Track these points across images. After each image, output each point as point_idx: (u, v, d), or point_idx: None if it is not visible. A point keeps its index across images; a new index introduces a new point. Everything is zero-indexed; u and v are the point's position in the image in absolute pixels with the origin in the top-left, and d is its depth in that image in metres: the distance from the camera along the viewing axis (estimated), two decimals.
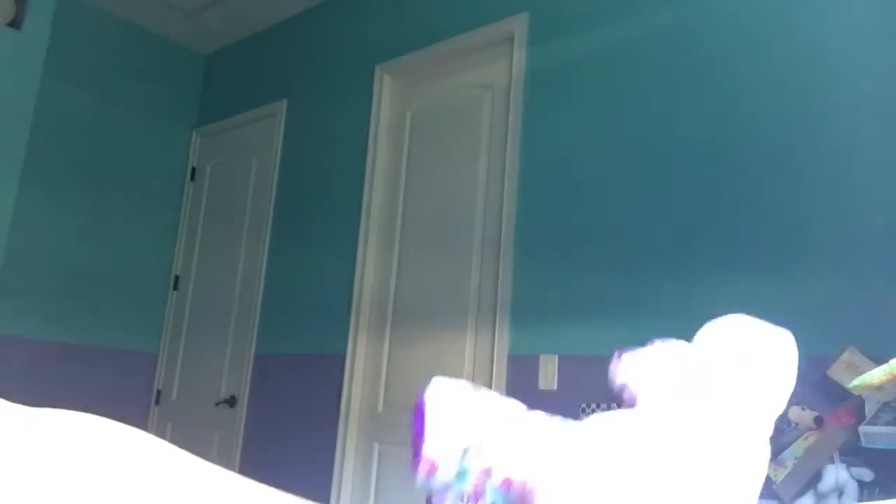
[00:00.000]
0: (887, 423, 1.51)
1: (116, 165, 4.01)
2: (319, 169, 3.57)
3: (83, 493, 0.27)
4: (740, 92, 2.22)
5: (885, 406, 1.56)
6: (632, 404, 0.34)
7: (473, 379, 2.70)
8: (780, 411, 0.37)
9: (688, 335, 2.17)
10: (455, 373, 2.76)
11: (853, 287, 1.89)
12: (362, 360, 3.11)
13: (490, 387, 2.61)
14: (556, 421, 0.34)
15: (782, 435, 1.72)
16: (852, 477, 1.53)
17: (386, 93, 3.36)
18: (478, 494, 0.34)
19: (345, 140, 3.46)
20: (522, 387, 2.50)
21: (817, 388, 1.87)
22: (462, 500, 0.33)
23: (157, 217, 4.19)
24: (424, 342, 2.90)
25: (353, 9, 3.65)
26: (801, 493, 1.57)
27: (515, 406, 0.37)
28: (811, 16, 2.14)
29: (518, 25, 2.86)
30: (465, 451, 0.33)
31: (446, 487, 0.32)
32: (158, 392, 4.04)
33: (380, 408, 2.98)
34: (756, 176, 2.13)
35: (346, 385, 3.08)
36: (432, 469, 0.30)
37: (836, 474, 1.53)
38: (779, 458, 1.64)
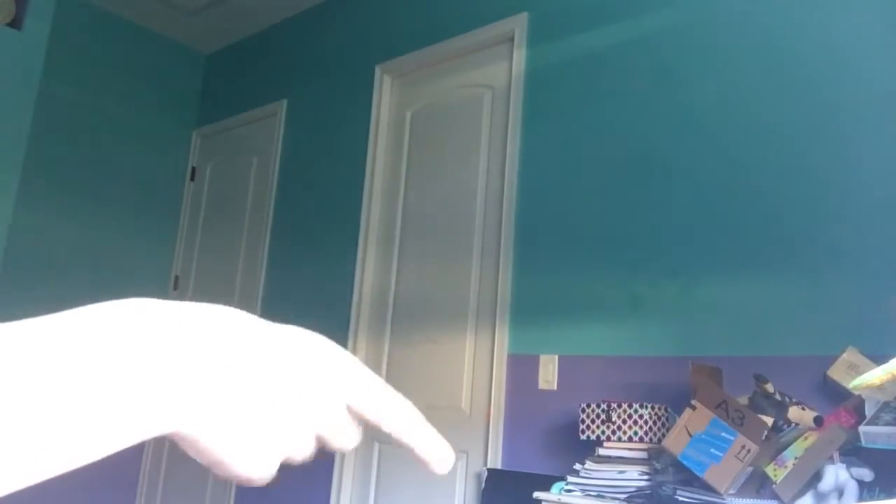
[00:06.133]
0: (887, 423, 1.51)
1: (116, 165, 4.01)
2: (319, 169, 3.57)
3: None
4: (741, 91, 2.22)
5: (885, 406, 1.56)
6: None
7: (473, 379, 2.71)
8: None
9: (688, 335, 2.18)
10: (455, 373, 2.76)
11: (853, 287, 1.89)
12: (362, 360, 3.11)
13: (490, 387, 2.61)
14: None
15: (782, 435, 1.72)
16: (852, 477, 1.53)
17: (386, 93, 3.36)
18: None
19: (345, 140, 3.46)
20: (522, 387, 2.50)
21: (817, 388, 1.87)
22: None
23: (157, 217, 4.19)
24: (424, 342, 2.90)
25: (353, 9, 3.65)
26: (801, 493, 1.57)
27: None
28: (816, 15, 2.14)
29: (518, 25, 2.86)
30: None
31: None
32: None
33: None
34: (757, 176, 2.13)
35: None
36: None
37: (836, 474, 1.53)
38: (779, 458, 1.64)
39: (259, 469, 0.29)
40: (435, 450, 0.35)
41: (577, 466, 1.95)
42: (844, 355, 1.80)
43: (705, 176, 2.24)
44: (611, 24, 2.59)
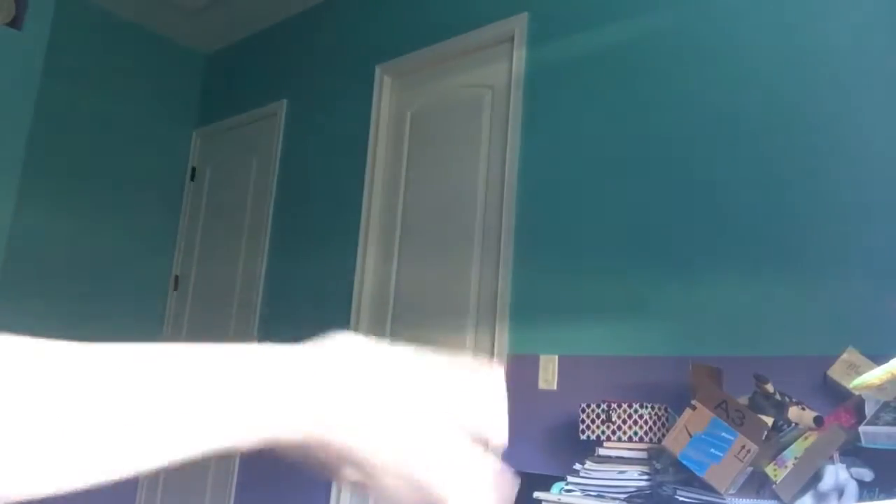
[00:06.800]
0: (887, 423, 1.51)
1: (116, 165, 4.01)
2: (319, 169, 3.57)
3: None
4: (741, 92, 2.22)
5: (885, 406, 1.56)
6: None
7: None
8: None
9: (688, 335, 2.17)
10: None
11: (853, 287, 1.89)
12: None
13: None
14: None
15: (782, 435, 1.72)
16: (852, 477, 1.53)
17: (386, 93, 3.36)
18: None
19: (345, 140, 3.46)
20: (522, 387, 2.50)
21: (817, 388, 1.87)
22: None
23: (158, 217, 4.19)
24: (424, 342, 2.90)
25: (353, 9, 3.65)
26: (801, 493, 1.57)
27: None
28: (814, 16, 2.14)
29: (518, 25, 2.86)
30: None
31: None
32: None
33: None
34: (756, 175, 2.13)
35: None
36: None
37: (836, 474, 1.53)
38: (779, 458, 1.64)
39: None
40: None
41: (577, 466, 1.95)
42: (844, 355, 1.80)
43: (705, 175, 2.24)
44: (611, 24, 2.59)
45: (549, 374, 2.44)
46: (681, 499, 1.70)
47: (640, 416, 1.91)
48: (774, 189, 2.09)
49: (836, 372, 1.79)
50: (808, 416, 1.70)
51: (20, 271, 3.48)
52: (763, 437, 1.64)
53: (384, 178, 3.28)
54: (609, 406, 1.95)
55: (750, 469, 1.67)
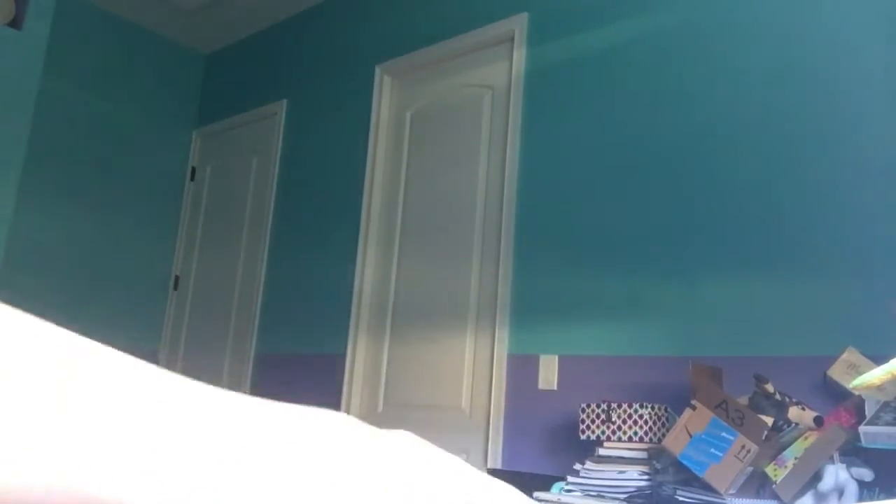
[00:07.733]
0: (887, 423, 1.51)
1: (116, 165, 4.01)
2: (319, 169, 3.57)
3: None
4: (741, 91, 2.22)
5: (885, 406, 1.56)
6: None
7: (473, 379, 2.71)
8: None
9: (688, 335, 2.17)
10: (455, 373, 2.76)
11: (853, 287, 1.89)
12: (362, 360, 3.11)
13: (490, 387, 2.61)
14: None
15: (782, 435, 1.72)
16: (852, 477, 1.53)
17: (386, 93, 3.36)
18: None
19: (345, 140, 3.46)
20: (522, 387, 2.50)
21: (817, 388, 1.87)
22: None
23: (157, 217, 4.19)
24: (424, 342, 2.90)
25: (353, 9, 3.65)
26: (801, 493, 1.57)
27: None
28: (814, 15, 2.14)
29: (518, 25, 2.86)
30: None
31: None
32: None
33: (380, 408, 2.98)
34: (756, 175, 2.13)
35: (345, 385, 3.08)
36: None
37: (836, 474, 1.53)
38: (779, 458, 1.64)
39: None
40: None
41: (577, 466, 1.95)
42: (844, 355, 1.80)
43: (705, 175, 2.24)
44: (611, 24, 2.59)
45: (549, 374, 2.44)
46: (681, 499, 1.70)
47: (640, 416, 1.91)
48: (774, 189, 2.09)
49: (836, 372, 1.79)
50: (808, 416, 1.70)
51: (20, 271, 3.48)
52: (763, 437, 1.64)
53: (384, 178, 3.28)
54: (609, 406, 1.95)
55: (750, 469, 1.67)
